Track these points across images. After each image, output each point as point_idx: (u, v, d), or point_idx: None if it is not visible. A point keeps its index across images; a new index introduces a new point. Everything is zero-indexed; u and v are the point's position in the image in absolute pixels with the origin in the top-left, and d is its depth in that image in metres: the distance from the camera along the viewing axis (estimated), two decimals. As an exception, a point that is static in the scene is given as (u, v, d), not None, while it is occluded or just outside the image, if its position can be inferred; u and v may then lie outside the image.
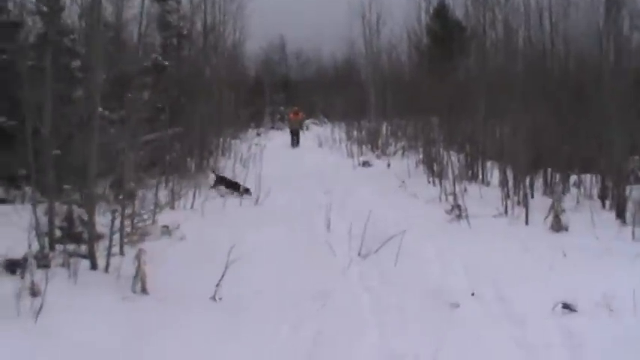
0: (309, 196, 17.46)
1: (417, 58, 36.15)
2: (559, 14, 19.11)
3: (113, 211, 9.80)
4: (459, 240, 11.84)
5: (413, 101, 26.51)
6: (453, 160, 19.63)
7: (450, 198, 15.03)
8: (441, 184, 17.99)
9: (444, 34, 33.83)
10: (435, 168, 19.77)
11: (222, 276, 8.78)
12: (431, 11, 35.29)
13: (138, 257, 8.88)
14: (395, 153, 27.76)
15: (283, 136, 39.58)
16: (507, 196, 15.31)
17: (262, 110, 47.30)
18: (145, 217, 12.32)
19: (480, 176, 19.67)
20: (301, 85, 52.20)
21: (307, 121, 42.79)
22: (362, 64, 38.54)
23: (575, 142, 17.61)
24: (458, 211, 13.68)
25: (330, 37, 47.13)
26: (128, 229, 11.05)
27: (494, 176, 18.78)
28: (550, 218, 12.39)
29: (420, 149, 24.11)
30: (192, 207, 14.89)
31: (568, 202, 14.25)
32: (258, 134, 39.95)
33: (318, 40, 62.32)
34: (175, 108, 19.14)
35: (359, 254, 10.92)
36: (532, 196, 15.96)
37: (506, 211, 14.02)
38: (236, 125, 34.38)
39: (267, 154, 27.16)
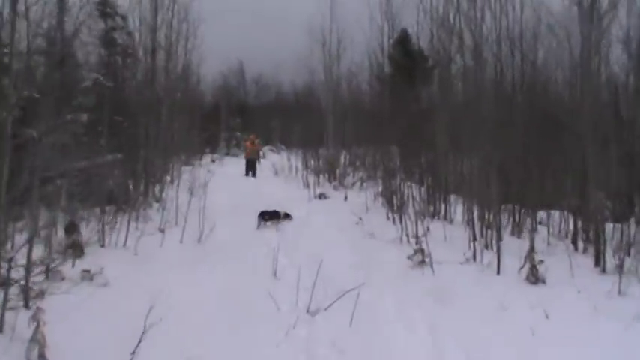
0: (259, 233, 15.84)
1: (378, 87, 34.83)
2: (531, 45, 17.71)
3: (9, 260, 7.95)
4: (424, 293, 10.33)
5: (373, 130, 25.16)
6: (414, 193, 18.25)
7: (412, 239, 13.58)
8: (401, 221, 16.48)
9: (405, 62, 32.46)
10: (395, 203, 18.25)
11: (139, 342, 7.10)
12: (392, 40, 33.87)
13: (36, 317, 7.18)
14: (353, 184, 26.23)
15: (238, 163, 37.87)
16: (474, 237, 13.92)
17: (217, 136, 45.59)
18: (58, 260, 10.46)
19: (443, 212, 18.24)
20: (259, 110, 50.56)
21: (264, 148, 41.24)
22: (321, 91, 37.03)
23: (544, 177, 16.46)
24: (421, 257, 12.15)
25: (290, 62, 45.74)
26: (38, 276, 9.27)
27: (458, 212, 17.46)
28: (525, 268, 10.89)
29: (379, 180, 22.60)
30: (124, 245, 13.03)
31: (538, 243, 12.83)
32: (213, 161, 38.23)
33: (278, 65, 60.94)
34: (117, 131, 17.44)
35: (307, 310, 9.27)
36: (500, 237, 14.63)
37: (474, 257, 12.53)
38: (189, 151, 32.61)
39: (218, 183, 25.46)
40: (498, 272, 11.44)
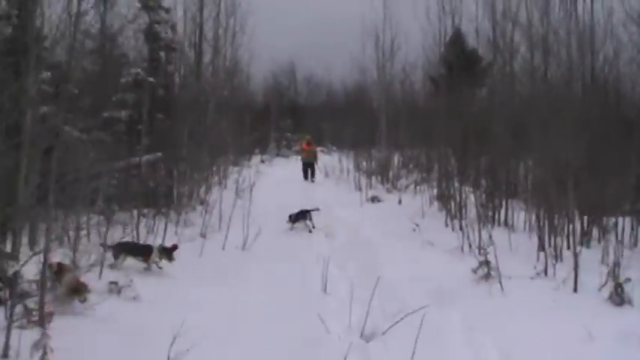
0: (308, 239, 14.56)
1: (432, 87, 33.43)
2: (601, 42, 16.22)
3: (13, 274, 6.82)
4: (493, 313, 8.99)
5: (427, 131, 23.72)
6: (472, 198, 16.84)
7: (474, 248, 12.24)
8: (460, 228, 15.13)
9: (460, 63, 30.97)
10: (453, 208, 16.87)
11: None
12: (446, 40, 32.36)
13: (41, 343, 6.07)
14: (407, 187, 24.77)
15: (288, 164, 36.87)
16: (542, 247, 12.50)
17: (267, 136, 44.47)
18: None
19: (503, 218, 16.77)
20: (310, 111, 49.27)
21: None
22: (374, 91, 35.56)
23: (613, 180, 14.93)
24: (487, 269, 10.77)
25: (342, 61, 44.25)
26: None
27: (519, 218, 16.02)
28: (608, 287, 9.43)
29: (434, 183, 21.21)
30: None
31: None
32: (262, 161, 37.13)
33: (330, 65, 59.55)
34: (158, 129, 16.39)
35: (361, 335, 7.94)
36: (569, 247, 13.18)
37: (545, 271, 11.06)
38: (238, 151, 31.56)
39: (266, 185, 24.41)
40: (575, 290, 9.99)
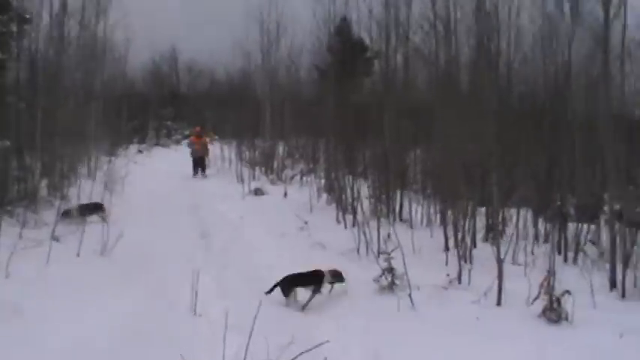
0: (180, 241, 12.16)
1: (317, 75, 31.69)
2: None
3: None
4: (405, 336, 7.05)
5: (313, 121, 21.91)
6: (365, 191, 14.96)
7: (372, 249, 10.32)
8: (354, 225, 13.19)
9: (345, 52, 29.31)
10: (344, 202, 14.92)
11: None
12: (335, 24, 30.51)
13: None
14: (292, 178, 22.67)
15: (169, 153, 34.17)
16: (447, 246, 10.81)
17: (146, 125, 41.35)
18: None
19: (398, 212, 14.98)
20: (192, 98, 46.23)
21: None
22: (258, 78, 33.19)
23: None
24: (391, 278, 8.82)
25: (226, 47, 41.48)
26: None
27: (416, 212, 14.37)
28: (541, 299, 7.63)
29: (322, 174, 19.24)
30: None
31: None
32: (140, 151, 34.21)
33: (213, 50, 56.13)
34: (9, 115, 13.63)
35: (240, 384, 5.75)
36: (474, 245, 11.45)
37: (459, 278, 9.21)
38: (113, 140, 28.66)
39: (142, 177, 21.83)
40: (499, 303, 8.15)
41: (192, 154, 25.42)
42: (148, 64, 46.96)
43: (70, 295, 8.11)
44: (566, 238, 12.04)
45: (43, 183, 15.42)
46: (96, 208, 13.78)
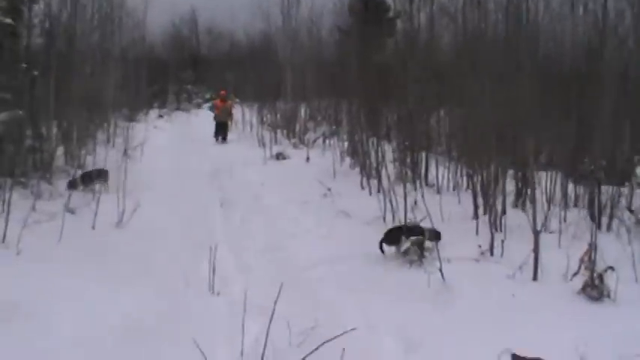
0: (198, 210, 11.70)
1: (339, 37, 30.98)
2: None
3: None
4: (437, 318, 6.45)
5: (335, 82, 21.38)
6: (390, 155, 14.36)
7: (399, 217, 9.78)
8: (379, 191, 12.64)
9: (367, 13, 28.61)
10: (368, 167, 14.35)
11: None
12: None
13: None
14: (315, 141, 22.08)
15: (190, 118, 33.60)
16: (476, 214, 10.25)
17: (166, 89, 40.71)
18: None
19: (424, 176, 14.41)
20: (212, 62, 45.31)
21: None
22: (279, 40, 32.41)
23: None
24: (419, 250, 8.30)
25: (246, 9, 40.37)
26: None
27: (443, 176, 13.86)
28: (581, 275, 7.05)
29: (345, 137, 18.64)
30: (3, 240, 8.74)
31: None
32: (161, 116, 33.71)
33: (233, 12, 55.10)
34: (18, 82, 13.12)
35: (259, 376, 5.28)
36: (504, 212, 10.82)
37: (491, 250, 8.63)
38: (133, 106, 28.19)
39: (161, 142, 21.45)
40: (535, 277, 7.58)
41: (216, 117, 24.72)
42: (168, 28, 46.36)
43: (76, 274, 7.68)
44: (599, 203, 11.38)
45: (60, 151, 15.00)
46: (100, 175, 13.21)
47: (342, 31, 31.51)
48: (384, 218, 10.55)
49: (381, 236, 8.96)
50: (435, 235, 8.69)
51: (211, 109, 25.18)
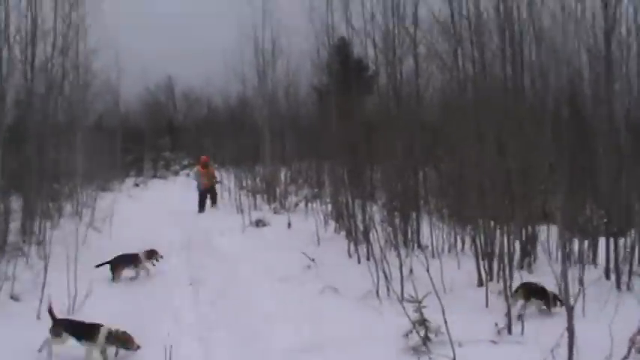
0: (163, 293, 10.08)
1: (316, 97, 29.98)
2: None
3: None
4: None
5: (315, 142, 20.15)
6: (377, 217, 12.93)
7: (393, 291, 8.35)
8: (368, 257, 11.19)
9: (344, 72, 27.52)
10: (354, 231, 12.92)
11: None
12: (332, 41, 28.63)
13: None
14: (297, 205, 20.65)
15: (166, 185, 32.14)
16: (481, 281, 8.84)
17: (142, 157, 39.30)
18: None
19: (415, 239, 13.05)
20: (189, 128, 44.16)
21: (194, 169, 35.40)
22: (256, 102, 31.20)
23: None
24: (424, 332, 6.80)
25: (222, 74, 39.17)
26: None
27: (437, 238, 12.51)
28: (632, 361, 5.61)
29: (328, 200, 17.22)
30: None
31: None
32: (137, 184, 32.25)
33: (209, 77, 54.23)
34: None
35: None
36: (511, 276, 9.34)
37: (509, 327, 7.14)
38: (107, 175, 26.77)
39: (135, 212, 19.91)
40: (570, 363, 6.10)
41: (199, 187, 22.24)
42: (143, 95, 45.32)
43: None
44: (617, 260, 9.98)
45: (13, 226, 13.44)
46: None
47: (319, 91, 30.66)
48: (378, 292, 9.06)
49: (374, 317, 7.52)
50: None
51: (196, 177, 22.69)
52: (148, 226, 17.06)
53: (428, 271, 6.95)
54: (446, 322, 6.24)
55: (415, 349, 6.74)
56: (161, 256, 11.77)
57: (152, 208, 22.41)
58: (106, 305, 8.85)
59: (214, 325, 8.09)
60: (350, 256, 12.37)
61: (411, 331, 6.88)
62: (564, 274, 6.21)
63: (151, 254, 11.68)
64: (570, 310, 6.04)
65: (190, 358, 6.74)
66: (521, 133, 10.03)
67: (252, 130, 28.19)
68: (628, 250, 10.04)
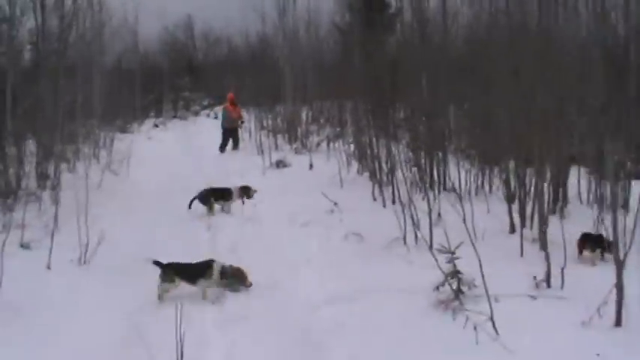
0: (180, 235, 9.57)
1: (338, 35, 29.29)
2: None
3: None
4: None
5: (337, 81, 19.31)
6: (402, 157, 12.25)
7: (422, 237, 7.79)
8: (394, 200, 10.64)
9: (367, 9, 26.72)
10: (378, 173, 12.32)
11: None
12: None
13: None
14: (318, 145, 19.98)
15: (187, 126, 31.51)
16: (513, 227, 8.26)
17: (162, 97, 38.49)
18: None
19: (442, 180, 12.45)
20: (210, 68, 43.25)
21: (216, 108, 34.66)
22: (277, 41, 30.37)
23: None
24: (456, 285, 6.24)
25: (242, 12, 38.03)
26: None
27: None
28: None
29: (350, 139, 16.56)
30: None
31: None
32: (156, 125, 31.65)
33: (229, 16, 52.82)
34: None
35: None
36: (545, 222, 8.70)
37: (548, 280, 6.56)
38: (126, 116, 26.26)
39: (153, 154, 19.46)
40: (618, 322, 5.50)
41: (224, 125, 21.46)
42: (162, 35, 44.47)
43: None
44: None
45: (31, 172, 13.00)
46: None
47: (341, 29, 29.97)
48: (405, 239, 8.49)
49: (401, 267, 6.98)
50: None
51: (223, 114, 21.67)
52: (166, 169, 16.63)
53: (464, 221, 6.34)
54: (483, 275, 5.67)
55: (447, 304, 6.18)
56: (255, 191, 11.69)
57: (171, 150, 21.91)
58: (119, 252, 8.38)
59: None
60: (374, 199, 11.78)
61: (442, 284, 6.32)
62: (615, 226, 5.58)
63: (245, 191, 11.60)
64: (620, 265, 5.44)
65: (206, 312, 6.26)
66: (557, 71, 9.23)
67: (273, 70, 27.49)
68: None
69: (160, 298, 6.98)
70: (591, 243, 8.02)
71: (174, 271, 7.08)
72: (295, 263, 7.81)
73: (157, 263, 7.10)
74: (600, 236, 8.11)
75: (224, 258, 7.60)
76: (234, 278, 7.07)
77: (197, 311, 6.40)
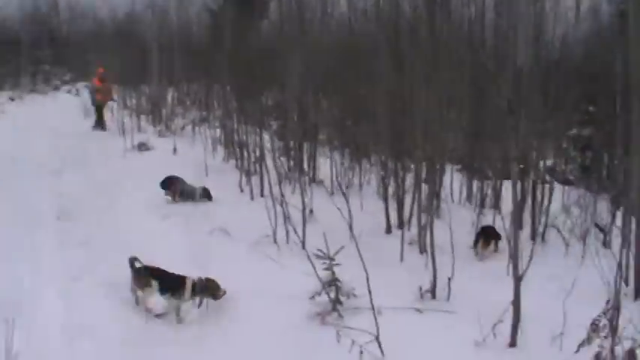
0: (26, 228, 8.16)
1: (209, 16, 28.27)
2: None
3: None
4: None
5: (206, 65, 18.45)
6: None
7: (294, 234, 7.00)
8: (262, 192, 9.77)
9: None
10: (246, 161, 11.41)
11: None
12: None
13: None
14: (183, 128, 18.70)
15: (46, 101, 29.14)
16: (389, 227, 7.63)
17: (18, 70, 35.40)
18: None
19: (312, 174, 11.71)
20: (74, 42, 40.42)
21: (78, 84, 32.39)
22: (145, 20, 28.69)
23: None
24: (335, 295, 5.44)
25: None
26: None
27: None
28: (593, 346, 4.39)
29: (217, 123, 15.53)
30: None
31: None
32: (12, 99, 29.03)
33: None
34: None
35: None
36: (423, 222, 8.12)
37: (433, 291, 5.87)
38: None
39: (7, 128, 17.65)
40: (513, 343, 4.84)
41: (94, 102, 19.88)
42: (23, 2, 41.22)
43: None
44: (533, 209, 8.90)
45: None
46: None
47: (212, 11, 28.97)
48: (275, 237, 7.59)
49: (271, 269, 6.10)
50: None
51: (92, 90, 19.74)
52: (19, 146, 14.88)
53: (350, 228, 5.51)
54: (370, 292, 4.86)
55: (324, 317, 5.34)
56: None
57: (27, 125, 19.84)
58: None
59: (81, 274, 6.39)
60: (242, 190, 10.81)
61: (319, 293, 5.48)
62: (515, 236, 4.92)
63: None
64: (518, 282, 4.78)
65: (49, 318, 5.12)
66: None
67: (139, 48, 25.82)
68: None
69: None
70: (485, 236, 7.74)
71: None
72: (154, 260, 6.69)
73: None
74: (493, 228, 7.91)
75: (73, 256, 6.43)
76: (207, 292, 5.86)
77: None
